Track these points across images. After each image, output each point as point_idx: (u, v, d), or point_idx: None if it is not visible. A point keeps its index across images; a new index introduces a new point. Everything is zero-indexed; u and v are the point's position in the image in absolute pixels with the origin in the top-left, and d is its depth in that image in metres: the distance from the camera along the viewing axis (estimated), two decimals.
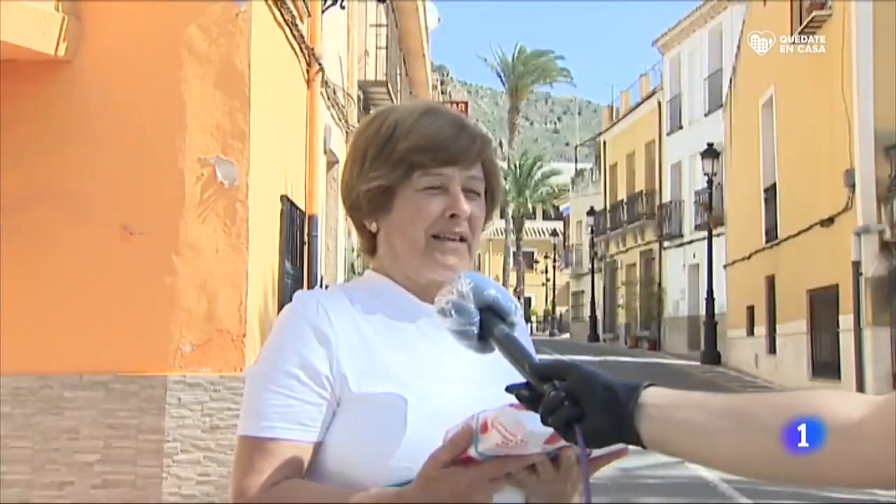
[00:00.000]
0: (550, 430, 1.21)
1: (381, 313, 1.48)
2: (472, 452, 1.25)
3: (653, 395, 1.17)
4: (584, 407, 1.17)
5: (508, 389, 1.25)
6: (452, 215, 1.47)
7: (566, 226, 50.12)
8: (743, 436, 1.11)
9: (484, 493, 1.28)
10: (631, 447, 1.23)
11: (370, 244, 1.56)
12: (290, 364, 1.41)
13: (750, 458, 1.11)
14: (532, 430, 1.21)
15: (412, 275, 1.50)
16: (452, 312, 1.33)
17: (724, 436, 1.12)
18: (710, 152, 24.19)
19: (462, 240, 1.49)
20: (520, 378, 1.28)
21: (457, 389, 1.42)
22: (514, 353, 1.29)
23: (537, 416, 1.20)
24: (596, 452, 1.27)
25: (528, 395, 1.22)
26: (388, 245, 1.52)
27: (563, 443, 1.23)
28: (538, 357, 1.30)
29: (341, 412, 1.41)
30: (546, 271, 55.31)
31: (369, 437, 1.38)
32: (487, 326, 1.33)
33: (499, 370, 1.38)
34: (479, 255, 63.88)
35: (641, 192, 33.91)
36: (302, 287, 8.57)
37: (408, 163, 1.46)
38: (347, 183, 1.54)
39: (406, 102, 1.39)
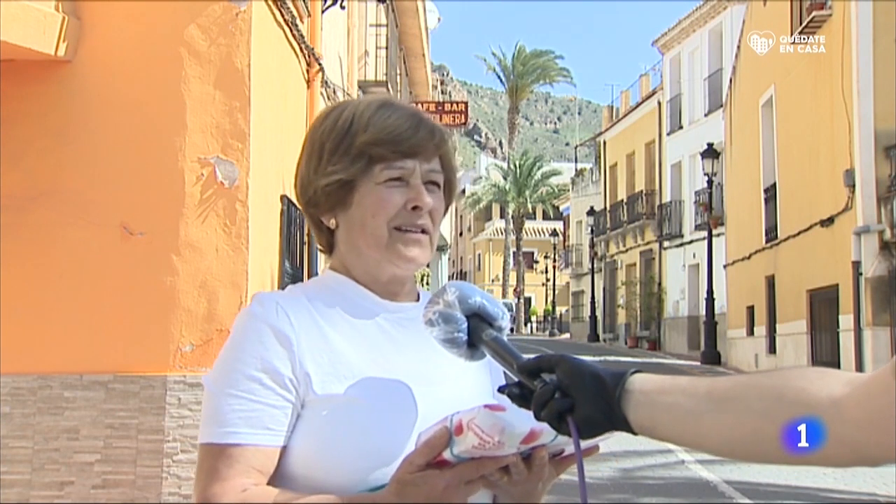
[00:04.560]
0: (527, 430, 1.21)
1: (342, 312, 1.45)
2: (447, 455, 1.24)
3: (640, 381, 1.18)
4: (574, 397, 1.18)
5: (500, 390, 1.24)
6: (415, 207, 1.45)
7: (566, 226, 50.13)
8: (728, 417, 1.11)
9: (460, 496, 1.27)
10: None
11: (328, 242, 1.54)
12: (251, 367, 1.37)
13: (736, 439, 1.12)
14: (509, 431, 1.20)
15: (374, 270, 1.48)
16: (440, 321, 1.32)
17: (710, 418, 1.12)
18: (710, 152, 24.21)
19: (423, 231, 1.47)
20: (478, 373, 1.27)
21: (422, 389, 1.40)
22: (503, 353, 1.28)
23: (514, 417, 1.20)
24: (568, 450, 1.27)
25: (518, 393, 1.22)
26: (348, 241, 1.49)
27: (537, 442, 1.24)
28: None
29: (305, 414, 1.37)
30: (546, 271, 55.32)
31: (335, 440, 1.34)
32: (475, 332, 1.32)
33: (461, 368, 1.38)
34: (479, 255, 63.90)
35: (641, 192, 33.93)
36: None
37: (367, 156, 1.44)
38: (303, 179, 1.52)
39: (360, 97, 1.36)
